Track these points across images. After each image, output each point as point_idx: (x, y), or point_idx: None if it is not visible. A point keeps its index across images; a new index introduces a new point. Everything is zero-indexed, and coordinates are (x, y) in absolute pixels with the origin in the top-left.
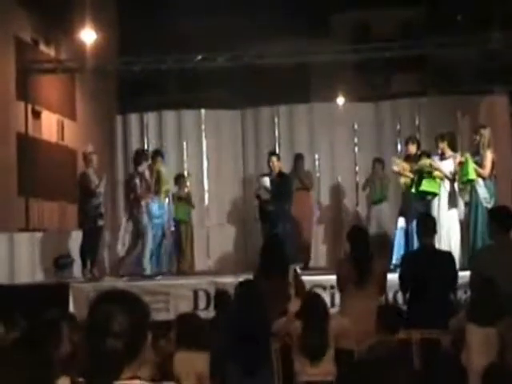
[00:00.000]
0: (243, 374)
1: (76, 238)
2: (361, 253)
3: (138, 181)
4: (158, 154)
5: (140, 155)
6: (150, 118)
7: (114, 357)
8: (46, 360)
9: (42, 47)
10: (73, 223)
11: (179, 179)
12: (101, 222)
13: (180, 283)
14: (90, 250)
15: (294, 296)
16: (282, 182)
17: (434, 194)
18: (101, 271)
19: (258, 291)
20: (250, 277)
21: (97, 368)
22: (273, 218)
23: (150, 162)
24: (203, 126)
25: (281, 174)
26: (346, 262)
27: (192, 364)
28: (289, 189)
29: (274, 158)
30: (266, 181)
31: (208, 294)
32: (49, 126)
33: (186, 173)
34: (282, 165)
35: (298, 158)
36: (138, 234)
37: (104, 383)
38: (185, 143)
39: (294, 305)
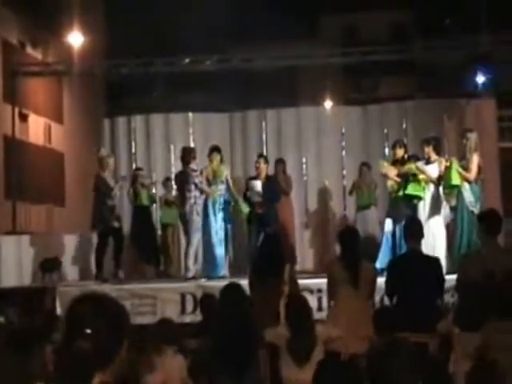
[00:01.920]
0: (229, 378)
1: (65, 242)
2: (352, 254)
3: (197, 179)
4: (214, 150)
5: (191, 152)
6: (138, 121)
7: (83, 359)
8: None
9: (29, 50)
10: (60, 226)
11: (166, 183)
12: (116, 224)
13: (167, 287)
14: (105, 251)
15: (288, 296)
16: (270, 185)
17: (419, 198)
18: (127, 273)
19: (243, 294)
20: (238, 279)
21: (65, 371)
22: (261, 220)
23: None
24: (191, 130)
25: (268, 177)
26: (337, 264)
27: (174, 367)
28: (277, 191)
29: (262, 161)
30: (257, 184)
31: (195, 298)
32: (36, 128)
33: (173, 176)
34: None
35: (278, 163)
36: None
37: None
38: (172, 146)
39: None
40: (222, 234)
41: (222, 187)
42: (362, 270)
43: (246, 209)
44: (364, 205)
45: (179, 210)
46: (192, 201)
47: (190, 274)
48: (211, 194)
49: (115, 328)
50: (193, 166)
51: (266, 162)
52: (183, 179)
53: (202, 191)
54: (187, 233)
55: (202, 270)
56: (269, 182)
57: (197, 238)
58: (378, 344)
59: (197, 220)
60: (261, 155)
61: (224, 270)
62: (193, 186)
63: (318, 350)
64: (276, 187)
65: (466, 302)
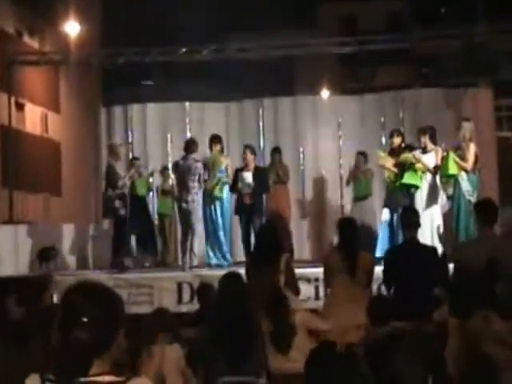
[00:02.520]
0: (227, 367)
1: (62, 231)
2: (350, 244)
3: (201, 169)
4: (214, 139)
5: (194, 142)
6: (135, 110)
7: (80, 350)
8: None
9: (26, 39)
10: (57, 216)
11: (163, 172)
12: (123, 212)
13: (164, 276)
14: (122, 239)
15: (283, 285)
16: (259, 176)
17: (416, 187)
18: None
19: (242, 283)
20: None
21: (63, 362)
22: (250, 211)
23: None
24: (187, 119)
25: (257, 168)
26: (334, 253)
27: (171, 356)
28: (266, 182)
29: (248, 151)
30: (248, 176)
31: (192, 287)
32: (32, 118)
33: (170, 165)
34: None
35: (275, 152)
36: (189, 224)
37: (71, 378)
38: (169, 135)
39: None
40: (226, 222)
41: (221, 176)
42: (360, 259)
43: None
44: (361, 195)
45: (176, 199)
46: (194, 191)
47: (194, 263)
48: (212, 186)
49: (110, 316)
50: (195, 156)
51: (253, 152)
52: (185, 169)
53: (204, 181)
54: (190, 223)
55: (209, 258)
56: (258, 172)
57: (199, 227)
58: (377, 334)
59: (199, 210)
60: (247, 146)
61: (229, 258)
62: (196, 177)
63: (300, 337)
64: (266, 178)
65: (461, 290)
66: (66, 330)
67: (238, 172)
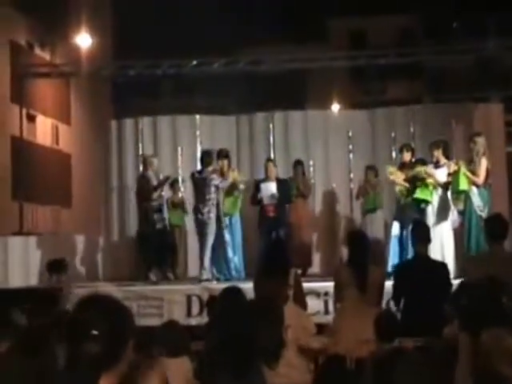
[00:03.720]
0: (230, 381)
1: (72, 243)
2: (360, 258)
3: (217, 181)
4: (220, 155)
5: (211, 155)
6: (145, 122)
7: (89, 362)
8: (41, 367)
9: (38, 51)
10: (67, 227)
11: (173, 184)
12: (160, 225)
13: (173, 289)
14: (155, 253)
15: (292, 300)
16: (281, 188)
17: (427, 202)
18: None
19: (242, 297)
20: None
21: (72, 372)
22: (272, 223)
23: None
24: (198, 132)
25: (279, 180)
26: (344, 268)
27: (181, 369)
28: (289, 194)
29: (271, 164)
30: (271, 186)
31: (201, 300)
32: (43, 129)
33: (180, 178)
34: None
35: (297, 165)
36: (202, 234)
37: None
38: (179, 148)
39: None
40: (236, 237)
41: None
42: (370, 273)
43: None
44: (370, 208)
45: (193, 211)
46: (211, 202)
47: (205, 276)
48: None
49: (119, 329)
50: (211, 168)
51: (275, 165)
52: (201, 182)
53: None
54: (203, 235)
55: (218, 272)
56: (280, 184)
57: (212, 240)
58: (385, 352)
59: (213, 222)
60: (269, 159)
61: (240, 273)
62: (213, 189)
63: (290, 353)
64: (288, 189)
65: (471, 305)
66: (76, 343)
67: (259, 183)
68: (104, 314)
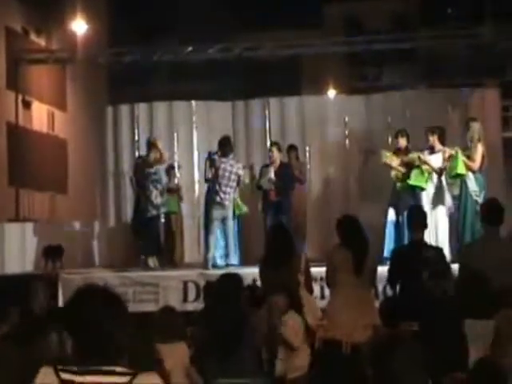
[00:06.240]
0: (223, 365)
1: (68, 229)
2: (353, 242)
3: (241, 170)
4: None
5: (231, 142)
6: (141, 108)
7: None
8: (35, 355)
9: (33, 37)
10: (63, 214)
11: (169, 170)
12: (154, 212)
13: (170, 275)
14: (152, 239)
15: (303, 285)
16: (284, 173)
17: (422, 189)
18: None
19: (237, 284)
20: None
21: (83, 355)
22: (276, 208)
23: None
24: (194, 118)
25: (282, 165)
26: (339, 251)
27: (177, 355)
28: (292, 178)
29: (275, 149)
30: (270, 171)
31: (197, 286)
32: (39, 116)
33: (176, 164)
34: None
35: (291, 149)
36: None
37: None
38: (175, 134)
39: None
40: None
41: None
42: (366, 258)
43: (243, 209)
44: (367, 194)
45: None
46: (232, 189)
47: (210, 263)
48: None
49: (117, 316)
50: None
51: (280, 149)
52: (227, 167)
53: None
54: (223, 219)
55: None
56: (283, 168)
57: (216, 226)
58: (382, 337)
59: (231, 207)
60: (274, 143)
61: (234, 259)
62: (234, 176)
63: (280, 349)
64: (291, 174)
65: (473, 290)
66: (75, 332)
67: (263, 168)
68: (98, 303)
